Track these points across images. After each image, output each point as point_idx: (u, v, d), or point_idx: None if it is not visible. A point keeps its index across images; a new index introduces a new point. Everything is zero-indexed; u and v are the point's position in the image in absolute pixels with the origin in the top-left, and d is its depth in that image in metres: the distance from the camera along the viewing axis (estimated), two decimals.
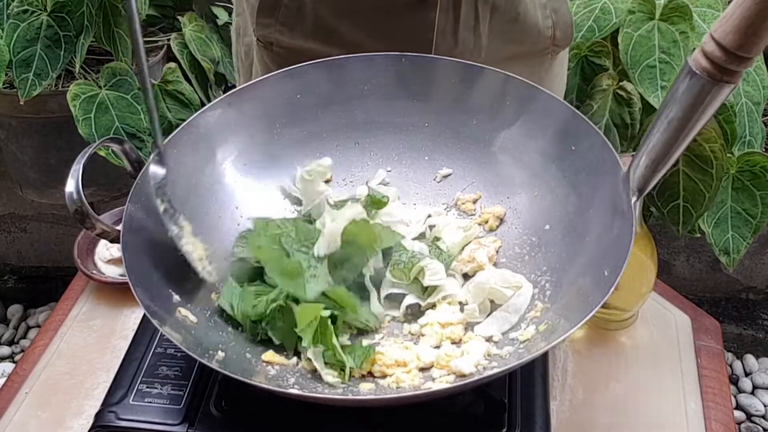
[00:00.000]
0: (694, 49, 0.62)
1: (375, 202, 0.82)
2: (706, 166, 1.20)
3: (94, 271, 0.97)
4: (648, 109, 1.36)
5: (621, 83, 1.36)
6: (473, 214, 0.84)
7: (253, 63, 1.01)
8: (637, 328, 0.90)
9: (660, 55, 1.31)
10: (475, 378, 0.65)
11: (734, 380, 1.85)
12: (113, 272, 0.98)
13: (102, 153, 1.32)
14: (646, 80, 1.32)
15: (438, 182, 0.86)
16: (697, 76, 0.60)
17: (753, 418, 1.79)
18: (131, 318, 0.93)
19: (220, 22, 1.71)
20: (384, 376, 0.70)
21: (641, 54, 1.32)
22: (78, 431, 0.80)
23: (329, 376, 0.69)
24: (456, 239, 0.81)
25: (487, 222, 0.83)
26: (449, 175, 0.86)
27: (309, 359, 0.70)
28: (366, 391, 0.68)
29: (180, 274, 0.74)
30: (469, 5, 0.90)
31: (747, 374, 1.88)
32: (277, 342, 0.72)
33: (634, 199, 0.67)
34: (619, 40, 1.34)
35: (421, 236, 0.83)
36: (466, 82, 0.83)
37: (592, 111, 1.36)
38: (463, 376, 0.67)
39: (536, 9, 0.93)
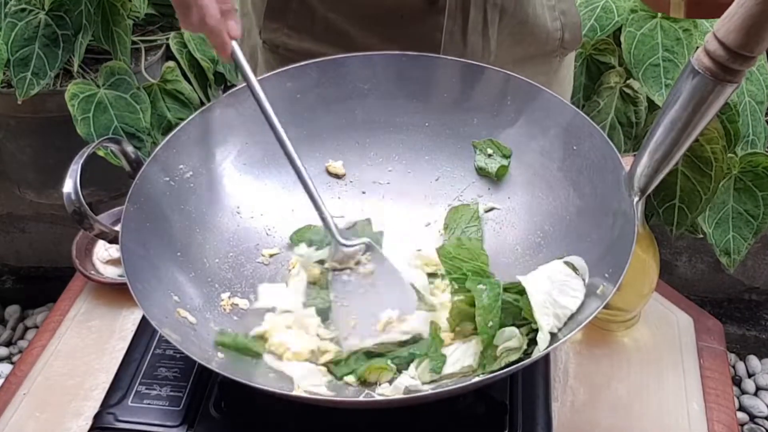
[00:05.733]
0: (697, 47, 0.61)
1: None
2: (706, 168, 1.19)
3: (93, 272, 0.97)
4: (653, 108, 1.36)
5: (627, 81, 1.36)
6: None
7: (258, 65, 1.00)
8: (639, 328, 0.90)
9: (663, 53, 1.31)
10: (476, 379, 0.65)
11: (737, 381, 1.85)
12: (112, 273, 0.97)
13: (101, 153, 1.32)
14: (650, 79, 1.31)
15: (438, 182, 0.86)
16: (700, 75, 0.60)
17: (756, 420, 1.78)
18: (130, 319, 0.92)
19: None
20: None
21: (644, 53, 1.32)
22: None
23: None
24: None
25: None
26: (450, 174, 0.85)
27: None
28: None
29: (179, 275, 0.73)
30: (477, 8, 0.89)
31: (750, 375, 1.87)
32: None
33: (636, 199, 0.67)
34: (622, 39, 1.33)
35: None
36: (466, 81, 0.83)
37: (599, 108, 1.35)
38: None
39: (545, 11, 0.93)
